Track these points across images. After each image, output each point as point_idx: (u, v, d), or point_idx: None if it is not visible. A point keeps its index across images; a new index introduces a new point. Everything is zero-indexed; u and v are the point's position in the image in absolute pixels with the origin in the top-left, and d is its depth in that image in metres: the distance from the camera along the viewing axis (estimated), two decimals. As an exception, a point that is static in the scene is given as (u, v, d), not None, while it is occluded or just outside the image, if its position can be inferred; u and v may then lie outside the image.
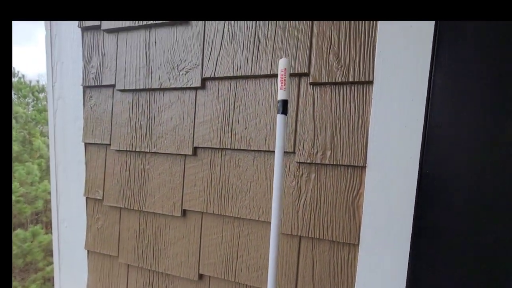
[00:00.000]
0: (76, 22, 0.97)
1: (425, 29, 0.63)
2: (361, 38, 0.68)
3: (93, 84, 0.96)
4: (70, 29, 0.99)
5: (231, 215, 0.83)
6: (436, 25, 0.63)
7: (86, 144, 1.02)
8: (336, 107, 0.71)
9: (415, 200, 0.65)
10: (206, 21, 0.81)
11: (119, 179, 0.97)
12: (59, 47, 1.01)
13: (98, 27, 0.93)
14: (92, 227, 1.04)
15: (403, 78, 0.65)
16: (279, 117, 0.51)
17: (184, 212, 0.89)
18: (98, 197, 1.01)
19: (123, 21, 0.89)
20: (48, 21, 1.00)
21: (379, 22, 0.66)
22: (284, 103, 0.50)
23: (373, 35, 0.67)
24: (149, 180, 0.93)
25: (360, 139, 0.69)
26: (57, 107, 1.04)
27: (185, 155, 0.87)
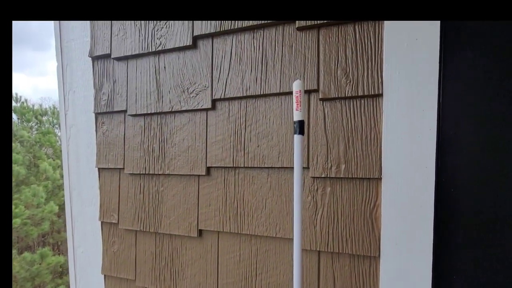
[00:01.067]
0: (86, 52, 1.00)
1: (431, 40, 0.64)
2: (368, 53, 0.69)
3: (104, 111, 0.99)
4: (81, 59, 1.02)
5: (248, 233, 0.82)
6: (441, 35, 0.64)
7: (99, 169, 1.03)
8: (348, 121, 0.72)
9: (434, 209, 0.65)
10: (214, 44, 0.83)
11: (134, 202, 0.98)
12: (71, 76, 1.04)
13: (108, 56, 0.96)
14: (108, 251, 1.04)
15: (412, 89, 0.66)
16: (297, 138, 0.52)
17: (200, 232, 0.90)
18: (113, 221, 1.01)
19: (132, 49, 0.91)
20: (60, 53, 1.04)
21: (385, 35, 0.67)
22: (301, 123, 0.51)
23: (379, 49, 0.68)
24: (164, 202, 0.94)
25: (374, 151, 0.70)
26: (70, 134, 1.06)
27: (199, 175, 0.88)
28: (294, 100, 0.50)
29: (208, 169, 0.87)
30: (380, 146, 0.69)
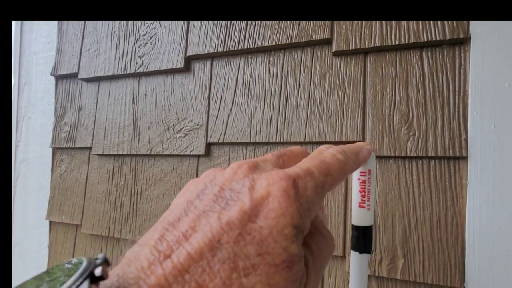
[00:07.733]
0: (48, 70, 0.78)
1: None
2: (443, 93, 0.46)
3: (64, 146, 0.74)
4: (42, 77, 0.80)
5: None
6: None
7: (51, 223, 0.77)
8: (409, 193, 0.47)
9: None
10: (213, 69, 0.61)
11: (91, 273, 0.71)
12: (28, 98, 0.81)
13: (75, 75, 0.74)
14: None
15: (517, 154, 0.42)
16: (357, 257, 0.27)
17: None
18: (62, 297, 0.73)
19: (106, 68, 0.69)
20: (18, 68, 0.81)
21: (472, 69, 0.45)
22: (366, 232, 0.26)
23: (462, 89, 0.45)
24: (131, 278, 0.67)
25: (452, 243, 0.45)
26: (19, 172, 0.81)
27: (182, 248, 0.62)
28: (355, 186, 0.26)
29: (195, 241, 0.61)
30: (463, 237, 0.44)
